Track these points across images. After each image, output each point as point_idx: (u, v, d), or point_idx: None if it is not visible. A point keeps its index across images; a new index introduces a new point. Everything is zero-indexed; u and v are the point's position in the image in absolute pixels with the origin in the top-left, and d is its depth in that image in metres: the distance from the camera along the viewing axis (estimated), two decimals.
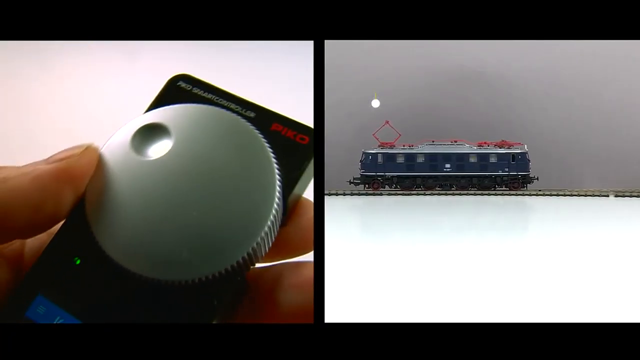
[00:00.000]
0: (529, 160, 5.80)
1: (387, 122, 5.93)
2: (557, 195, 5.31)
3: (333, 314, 0.87)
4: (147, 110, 0.37)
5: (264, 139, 0.35)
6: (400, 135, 5.90)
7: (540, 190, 5.55)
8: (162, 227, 0.32)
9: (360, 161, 5.86)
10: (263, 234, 0.32)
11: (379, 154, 5.81)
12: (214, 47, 1.69)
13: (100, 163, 0.34)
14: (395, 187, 5.79)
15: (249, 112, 0.36)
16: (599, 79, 5.92)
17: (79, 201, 0.33)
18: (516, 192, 5.59)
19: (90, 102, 1.68)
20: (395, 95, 5.84)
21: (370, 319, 0.86)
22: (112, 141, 0.35)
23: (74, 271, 0.33)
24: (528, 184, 5.80)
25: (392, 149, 5.86)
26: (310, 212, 0.35)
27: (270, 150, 0.34)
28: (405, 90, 5.84)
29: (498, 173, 5.74)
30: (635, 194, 5.16)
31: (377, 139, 5.93)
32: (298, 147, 0.36)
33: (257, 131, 0.35)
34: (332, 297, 0.99)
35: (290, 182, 0.34)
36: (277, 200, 0.33)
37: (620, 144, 6.34)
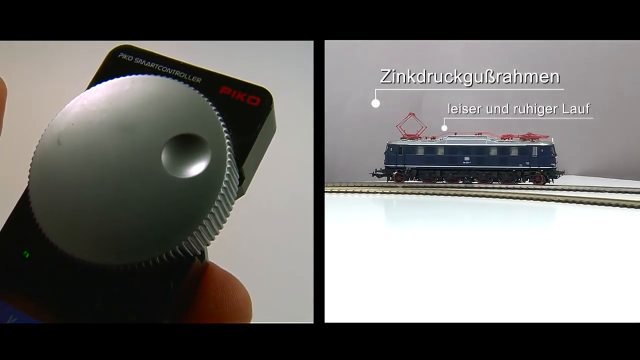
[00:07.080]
0: (553, 154, 5.65)
1: (412, 114, 5.86)
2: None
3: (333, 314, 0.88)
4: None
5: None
6: (424, 127, 5.83)
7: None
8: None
9: (385, 153, 5.80)
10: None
11: (401, 146, 5.76)
12: (214, 47, 1.70)
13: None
14: (417, 180, 5.73)
15: (195, 77, 0.35)
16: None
17: (24, 193, 0.33)
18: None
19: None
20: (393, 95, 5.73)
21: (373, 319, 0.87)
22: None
23: (24, 265, 0.32)
24: (554, 179, 5.64)
25: (413, 141, 5.79)
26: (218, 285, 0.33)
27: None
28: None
29: (519, 167, 5.61)
30: None
31: (402, 131, 5.86)
32: (249, 110, 0.34)
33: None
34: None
35: (243, 148, 0.33)
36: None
37: None
